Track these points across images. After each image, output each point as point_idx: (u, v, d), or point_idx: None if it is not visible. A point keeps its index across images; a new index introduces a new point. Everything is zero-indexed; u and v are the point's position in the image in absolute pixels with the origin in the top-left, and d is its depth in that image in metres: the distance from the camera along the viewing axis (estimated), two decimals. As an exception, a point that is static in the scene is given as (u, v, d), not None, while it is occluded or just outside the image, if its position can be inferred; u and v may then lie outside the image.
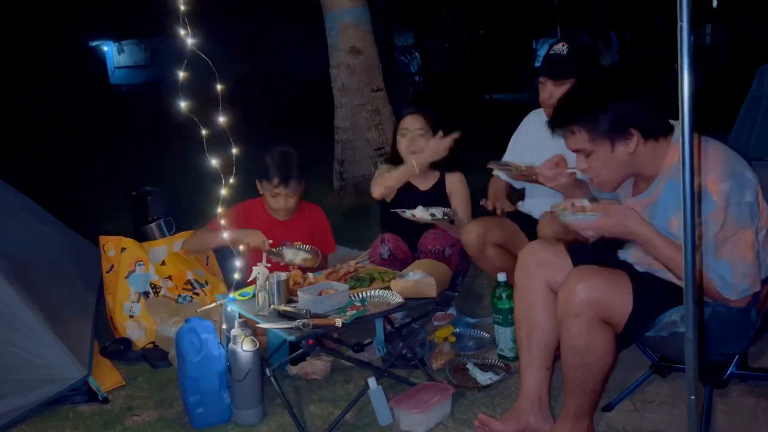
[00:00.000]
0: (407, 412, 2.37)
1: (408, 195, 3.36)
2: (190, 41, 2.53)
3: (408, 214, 3.16)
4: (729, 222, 1.90)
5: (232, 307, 2.58)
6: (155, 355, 3.05)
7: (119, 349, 3.12)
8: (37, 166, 8.67)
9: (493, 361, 2.79)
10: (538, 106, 3.14)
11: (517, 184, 3.29)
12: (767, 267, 2.03)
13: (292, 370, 2.82)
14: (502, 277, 2.84)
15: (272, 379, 2.50)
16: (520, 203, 3.32)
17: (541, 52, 19.07)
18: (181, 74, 2.56)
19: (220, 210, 2.73)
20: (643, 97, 2.02)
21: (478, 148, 4.10)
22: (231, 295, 2.63)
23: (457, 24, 18.34)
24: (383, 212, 3.46)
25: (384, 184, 3.33)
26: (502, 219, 3.18)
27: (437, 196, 3.38)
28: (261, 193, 3.26)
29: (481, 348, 2.97)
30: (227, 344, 2.52)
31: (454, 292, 2.78)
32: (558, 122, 2.11)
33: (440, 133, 3.25)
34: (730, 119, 3.50)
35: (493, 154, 3.28)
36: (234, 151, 2.69)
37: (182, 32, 2.52)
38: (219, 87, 2.67)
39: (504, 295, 2.80)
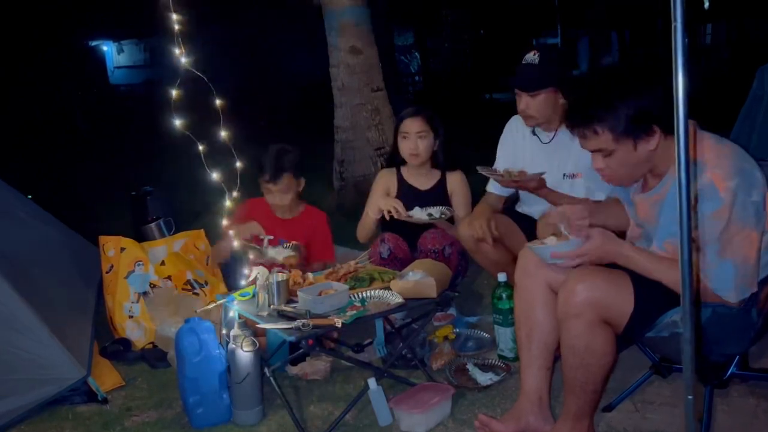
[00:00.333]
0: (407, 412, 2.36)
1: (409, 195, 3.36)
2: (184, 60, 2.55)
3: (405, 216, 3.16)
4: (734, 220, 1.89)
5: (232, 308, 2.58)
6: (155, 356, 3.05)
7: (119, 350, 3.12)
8: (37, 166, 8.66)
9: (494, 362, 2.79)
10: None
11: (507, 191, 3.27)
12: (767, 267, 2.03)
13: (292, 370, 2.81)
14: (502, 277, 2.83)
15: (272, 379, 2.49)
16: (518, 204, 3.32)
17: (541, 51, 19.08)
18: (174, 93, 2.58)
19: (225, 220, 2.77)
20: (664, 93, 1.99)
21: (478, 148, 4.09)
22: (231, 295, 2.63)
23: (457, 24, 18.37)
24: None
25: (363, 232, 3.38)
26: (498, 215, 3.18)
27: (438, 196, 3.38)
28: (263, 190, 3.29)
29: (482, 348, 2.96)
30: (227, 345, 2.52)
31: (454, 293, 2.78)
32: (580, 122, 2.03)
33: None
34: (731, 119, 3.50)
35: (493, 154, 3.28)
36: (238, 164, 2.74)
37: (177, 51, 2.54)
38: (218, 102, 2.69)
39: (504, 296, 2.80)
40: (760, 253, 1.97)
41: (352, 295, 2.51)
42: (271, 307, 2.43)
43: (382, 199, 3.32)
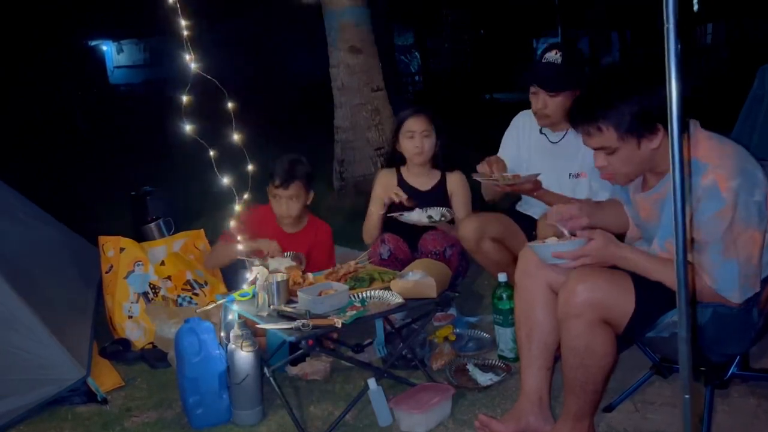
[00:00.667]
0: (407, 412, 2.36)
1: (409, 196, 3.36)
2: (194, 66, 2.54)
3: (405, 217, 3.15)
4: (737, 220, 1.89)
5: (232, 309, 2.57)
6: (154, 356, 3.05)
7: (118, 350, 3.11)
8: (37, 166, 8.66)
9: (494, 362, 2.79)
10: None
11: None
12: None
13: (292, 370, 2.81)
14: (502, 277, 2.83)
15: (272, 379, 2.49)
16: (518, 204, 3.31)
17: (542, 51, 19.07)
18: (185, 98, 2.57)
19: (233, 225, 2.76)
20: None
21: (478, 148, 4.09)
22: (230, 295, 2.62)
23: (457, 24, 18.37)
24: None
25: (369, 232, 3.36)
26: (499, 214, 3.18)
27: (438, 196, 3.37)
28: (270, 198, 3.26)
29: (482, 348, 2.96)
30: (227, 345, 2.51)
31: (454, 293, 2.77)
32: (584, 119, 2.03)
33: None
34: (731, 119, 3.49)
35: (494, 154, 3.27)
36: (250, 167, 2.75)
37: (187, 57, 2.53)
38: (230, 105, 2.68)
39: (504, 296, 2.79)
40: (762, 252, 1.96)
41: (352, 296, 2.51)
42: (271, 307, 2.43)
43: (382, 191, 3.32)
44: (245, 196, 2.68)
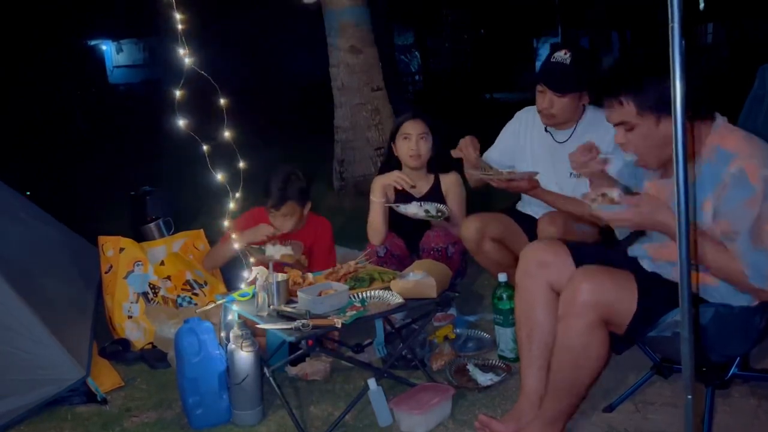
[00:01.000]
0: (407, 413, 2.36)
1: (405, 200, 3.35)
2: (187, 60, 2.54)
3: (402, 209, 3.15)
4: (766, 210, 1.87)
5: (231, 309, 2.57)
6: (154, 356, 3.04)
7: (118, 350, 3.11)
8: (36, 166, 8.65)
9: (494, 362, 2.78)
10: None
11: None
12: None
13: (292, 371, 2.81)
14: (502, 277, 2.83)
15: (271, 379, 2.49)
16: (519, 204, 3.31)
17: (542, 51, 19.06)
18: (178, 93, 2.57)
19: (227, 223, 2.77)
20: (694, 76, 1.99)
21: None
22: (230, 295, 2.62)
23: (458, 23, 18.37)
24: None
25: (375, 233, 3.30)
26: (500, 214, 3.17)
27: (434, 200, 3.36)
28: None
29: (482, 349, 2.96)
30: (226, 345, 2.51)
31: (454, 293, 2.77)
32: (607, 90, 2.05)
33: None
34: (732, 119, 3.48)
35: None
36: (241, 165, 2.75)
37: (182, 52, 2.53)
38: (222, 102, 2.68)
39: (505, 296, 2.79)
40: None
41: (352, 296, 2.50)
42: (271, 307, 2.43)
43: (383, 179, 3.30)
44: (237, 194, 2.67)
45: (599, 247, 2.58)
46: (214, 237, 3.63)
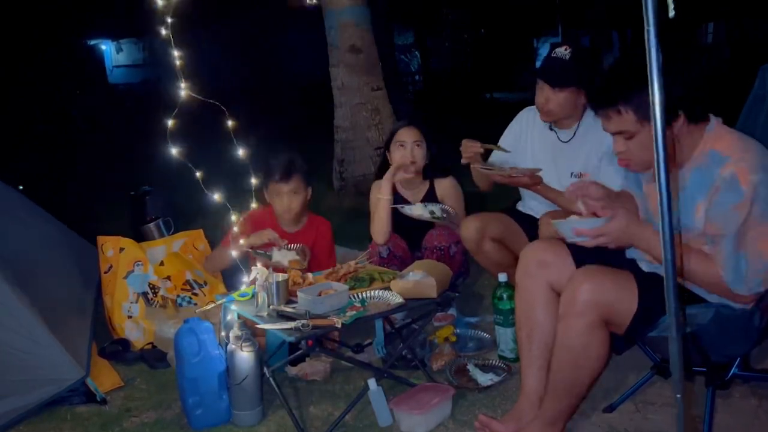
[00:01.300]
0: (407, 413, 2.36)
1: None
2: (183, 93, 2.60)
3: (407, 210, 3.15)
4: (754, 215, 1.88)
5: (231, 308, 2.57)
6: (154, 356, 3.04)
7: (117, 350, 3.11)
8: (36, 165, 8.65)
9: (494, 362, 2.78)
10: None
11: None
12: None
13: (292, 371, 2.80)
14: (503, 277, 2.83)
15: (271, 380, 2.49)
16: (519, 203, 3.31)
17: (542, 51, 19.05)
18: (170, 122, 2.61)
19: (233, 228, 2.79)
20: (693, 79, 1.98)
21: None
22: (230, 295, 2.62)
23: (458, 23, 18.33)
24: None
25: (378, 225, 3.27)
26: (500, 214, 3.17)
27: None
28: (268, 201, 3.25)
29: (482, 349, 2.96)
30: (226, 345, 2.50)
31: (455, 293, 2.77)
32: (604, 101, 2.03)
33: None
34: (732, 119, 3.47)
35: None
36: (253, 181, 2.82)
37: (182, 85, 2.56)
38: (230, 123, 2.72)
39: (505, 296, 2.79)
40: None
41: (352, 296, 2.50)
42: (271, 307, 2.42)
43: (390, 176, 3.28)
44: (252, 205, 2.70)
45: (599, 248, 2.58)
46: (214, 237, 3.62)
